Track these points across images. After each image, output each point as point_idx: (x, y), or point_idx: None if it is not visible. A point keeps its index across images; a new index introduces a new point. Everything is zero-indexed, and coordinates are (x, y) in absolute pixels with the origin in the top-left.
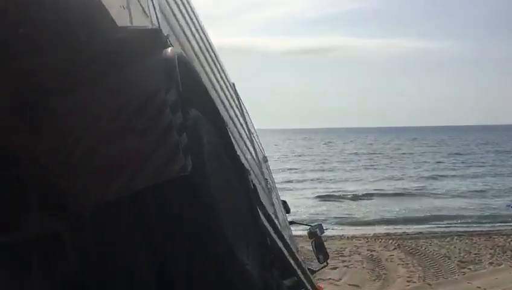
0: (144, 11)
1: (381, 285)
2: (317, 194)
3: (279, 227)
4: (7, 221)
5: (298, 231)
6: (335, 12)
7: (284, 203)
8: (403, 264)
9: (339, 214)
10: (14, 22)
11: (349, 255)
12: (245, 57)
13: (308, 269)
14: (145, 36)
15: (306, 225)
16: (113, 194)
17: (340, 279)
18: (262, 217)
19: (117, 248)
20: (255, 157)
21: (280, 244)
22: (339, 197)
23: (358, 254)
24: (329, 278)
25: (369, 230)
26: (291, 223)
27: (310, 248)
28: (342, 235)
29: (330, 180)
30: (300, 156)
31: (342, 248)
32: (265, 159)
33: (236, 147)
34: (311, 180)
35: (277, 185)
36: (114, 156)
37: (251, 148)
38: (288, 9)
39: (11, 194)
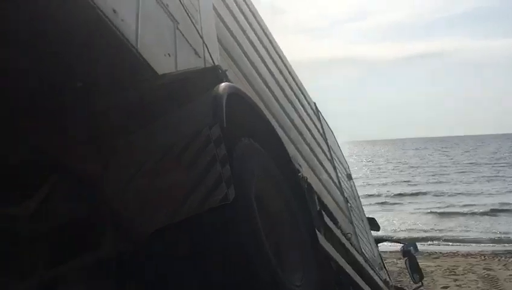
0: (197, 53)
1: None
2: (430, 210)
3: (354, 249)
4: (90, 241)
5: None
6: (446, 15)
7: (373, 220)
8: None
9: (453, 230)
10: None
11: (463, 274)
12: (353, 67)
13: (400, 288)
14: (203, 75)
15: (398, 242)
16: (161, 223)
17: None
18: (322, 240)
19: (168, 272)
20: (334, 177)
21: (349, 267)
22: (456, 213)
23: (473, 273)
24: None
25: (488, 247)
26: (382, 240)
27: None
28: (456, 251)
29: (446, 193)
30: (414, 167)
31: (455, 266)
32: (349, 177)
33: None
34: (424, 193)
35: (390, 200)
36: (165, 188)
37: (330, 169)
38: (394, 15)
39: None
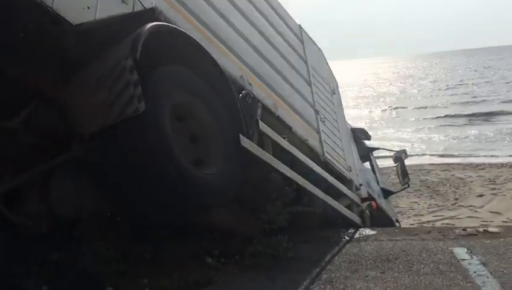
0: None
1: None
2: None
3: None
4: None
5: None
6: None
7: (362, 130)
8: None
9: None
10: None
11: (502, 183)
12: None
13: (385, 189)
14: (130, 19)
15: (390, 150)
16: (97, 127)
17: (482, 206)
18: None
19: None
20: (306, 93)
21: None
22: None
23: None
24: (470, 205)
25: None
26: (374, 149)
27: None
28: (506, 163)
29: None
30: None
31: (497, 176)
32: (333, 92)
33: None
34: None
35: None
36: (97, 103)
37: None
38: None
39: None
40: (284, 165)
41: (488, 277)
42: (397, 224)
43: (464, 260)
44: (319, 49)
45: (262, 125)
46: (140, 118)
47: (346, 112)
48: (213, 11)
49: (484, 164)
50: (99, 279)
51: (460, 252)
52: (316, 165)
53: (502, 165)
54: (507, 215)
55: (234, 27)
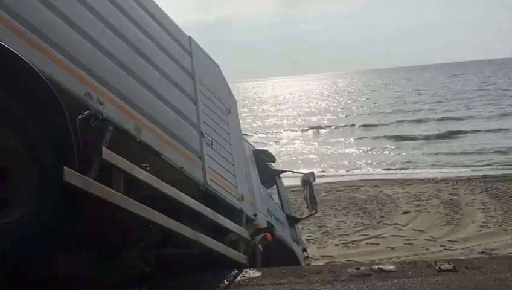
0: None
1: (450, 230)
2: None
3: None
4: None
5: None
6: None
7: (265, 151)
8: (483, 209)
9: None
10: None
11: (427, 200)
12: None
13: (291, 216)
14: None
15: (297, 173)
16: None
17: (407, 224)
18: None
19: None
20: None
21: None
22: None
23: (437, 198)
24: (395, 223)
25: (466, 173)
26: (281, 172)
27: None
28: (433, 178)
29: None
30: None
31: (422, 192)
32: (228, 111)
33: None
34: None
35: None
36: None
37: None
38: None
39: None
40: (135, 202)
41: None
42: (305, 253)
43: None
44: (215, 64)
45: (108, 154)
46: None
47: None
48: (45, 7)
49: (411, 179)
50: None
51: None
52: (190, 199)
53: (429, 181)
54: (430, 233)
55: (80, 30)
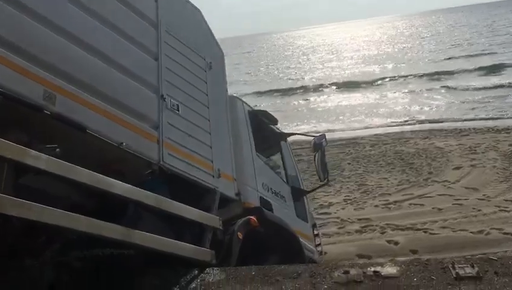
0: None
1: (508, 188)
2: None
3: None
4: None
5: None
6: None
7: (264, 113)
8: None
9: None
10: None
11: (483, 152)
12: None
13: (296, 189)
14: None
15: (307, 135)
16: None
17: (458, 181)
18: None
19: None
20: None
21: None
22: None
23: (495, 151)
24: (445, 181)
25: None
26: (287, 135)
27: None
28: (492, 127)
29: None
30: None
31: (479, 143)
32: (208, 66)
33: None
34: None
35: None
36: None
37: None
38: None
39: None
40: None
41: None
42: (314, 231)
43: None
44: (195, 8)
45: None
46: None
47: None
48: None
49: (468, 129)
50: None
51: None
52: (123, 185)
53: (488, 130)
54: (483, 191)
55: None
